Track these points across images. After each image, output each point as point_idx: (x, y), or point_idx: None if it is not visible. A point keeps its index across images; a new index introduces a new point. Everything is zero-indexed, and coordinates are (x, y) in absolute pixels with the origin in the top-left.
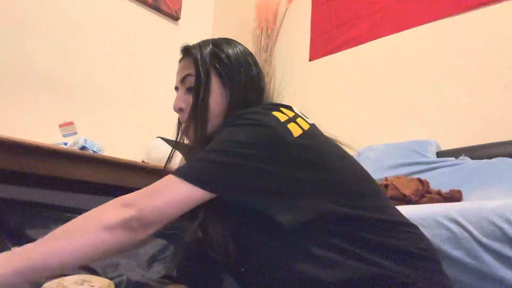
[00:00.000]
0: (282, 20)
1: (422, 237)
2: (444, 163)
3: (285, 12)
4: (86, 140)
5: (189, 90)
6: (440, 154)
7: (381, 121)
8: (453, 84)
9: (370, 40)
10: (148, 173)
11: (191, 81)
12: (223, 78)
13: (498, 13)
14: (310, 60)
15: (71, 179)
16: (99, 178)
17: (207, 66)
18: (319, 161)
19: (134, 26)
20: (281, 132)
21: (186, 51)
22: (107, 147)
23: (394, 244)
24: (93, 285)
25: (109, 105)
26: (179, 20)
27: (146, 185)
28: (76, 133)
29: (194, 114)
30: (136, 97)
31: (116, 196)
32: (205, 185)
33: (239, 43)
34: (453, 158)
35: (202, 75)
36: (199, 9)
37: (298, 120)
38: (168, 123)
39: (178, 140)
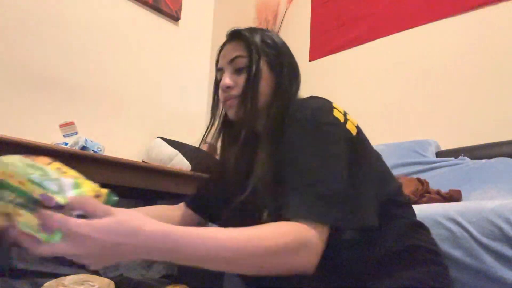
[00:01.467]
0: (282, 20)
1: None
2: (444, 163)
3: (285, 12)
4: (86, 140)
5: (238, 71)
6: (439, 154)
7: (381, 121)
8: (452, 84)
9: (370, 40)
10: (148, 173)
11: (241, 62)
12: (271, 65)
13: (498, 13)
14: (310, 61)
15: None
16: (99, 178)
17: (258, 50)
18: (369, 156)
19: (134, 27)
20: (350, 132)
21: (237, 34)
22: (107, 147)
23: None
24: (93, 284)
25: (109, 105)
26: (179, 21)
27: (146, 185)
28: (76, 133)
29: (245, 94)
30: (136, 97)
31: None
32: (336, 221)
33: (279, 36)
34: (452, 158)
35: (254, 58)
36: (199, 10)
37: (347, 116)
38: (168, 123)
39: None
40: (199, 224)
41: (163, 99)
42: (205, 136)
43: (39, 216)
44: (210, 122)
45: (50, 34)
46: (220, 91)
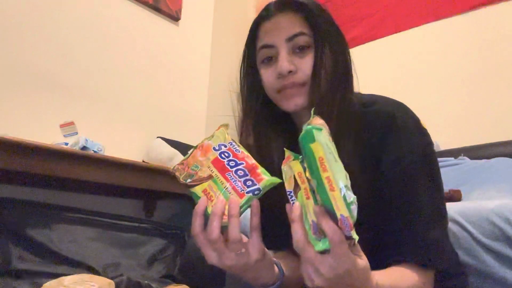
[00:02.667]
0: None
1: None
2: (444, 163)
3: None
4: (86, 140)
5: (300, 50)
6: (439, 154)
7: None
8: (452, 84)
9: (370, 40)
10: (148, 173)
11: (304, 40)
12: (333, 46)
13: (498, 13)
14: None
15: (71, 179)
16: (100, 178)
17: (322, 26)
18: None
19: (134, 27)
20: None
21: (296, 4)
22: (107, 147)
23: None
24: (93, 284)
25: (109, 105)
26: (179, 21)
27: (146, 185)
28: (76, 133)
29: (312, 79)
30: (136, 97)
31: (116, 196)
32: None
33: None
34: (452, 158)
35: (321, 36)
36: (199, 10)
37: None
38: (168, 123)
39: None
40: None
41: (163, 99)
42: (241, 133)
43: (320, 215)
44: (245, 115)
45: (50, 34)
46: (269, 76)
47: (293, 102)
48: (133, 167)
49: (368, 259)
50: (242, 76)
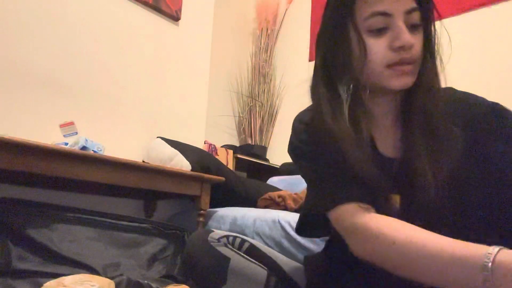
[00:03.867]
0: (282, 20)
1: None
2: None
3: (285, 12)
4: (86, 140)
5: (414, 27)
6: None
7: None
8: (452, 84)
9: None
10: (148, 173)
11: (418, 17)
12: (434, 25)
13: (498, 13)
14: (310, 60)
15: (71, 179)
16: (99, 178)
17: (431, 7)
18: None
19: (134, 26)
20: None
21: None
22: (107, 147)
23: None
24: (93, 284)
25: (109, 105)
26: (180, 21)
27: (146, 185)
28: (76, 133)
29: (423, 58)
30: (136, 97)
31: (116, 196)
32: None
33: None
34: None
35: (430, 11)
36: (199, 9)
37: None
38: (168, 123)
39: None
40: None
41: (163, 99)
42: (347, 111)
43: None
44: (348, 92)
45: (50, 34)
46: (381, 47)
47: (405, 80)
48: (133, 167)
49: None
50: (326, 47)
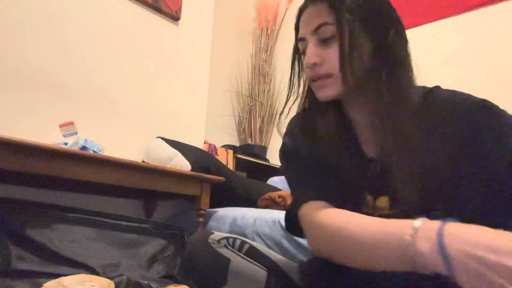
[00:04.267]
0: (282, 20)
1: None
2: None
3: (285, 12)
4: (86, 140)
5: (324, 41)
6: None
7: None
8: (452, 84)
9: None
10: (148, 173)
11: (328, 31)
12: (368, 30)
13: (498, 13)
14: None
15: (71, 179)
16: (99, 178)
17: (350, 13)
18: None
19: (134, 26)
20: None
21: None
22: (107, 147)
23: None
24: (93, 285)
25: (109, 105)
26: (179, 20)
27: (146, 185)
28: (76, 133)
29: (342, 70)
30: (136, 97)
31: (116, 196)
32: None
33: None
34: None
35: (345, 24)
36: (199, 9)
37: None
38: (168, 123)
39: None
40: None
41: (163, 99)
42: (284, 112)
43: None
44: (287, 97)
45: (50, 34)
46: (305, 67)
47: (323, 93)
48: (133, 167)
49: None
50: (293, 67)
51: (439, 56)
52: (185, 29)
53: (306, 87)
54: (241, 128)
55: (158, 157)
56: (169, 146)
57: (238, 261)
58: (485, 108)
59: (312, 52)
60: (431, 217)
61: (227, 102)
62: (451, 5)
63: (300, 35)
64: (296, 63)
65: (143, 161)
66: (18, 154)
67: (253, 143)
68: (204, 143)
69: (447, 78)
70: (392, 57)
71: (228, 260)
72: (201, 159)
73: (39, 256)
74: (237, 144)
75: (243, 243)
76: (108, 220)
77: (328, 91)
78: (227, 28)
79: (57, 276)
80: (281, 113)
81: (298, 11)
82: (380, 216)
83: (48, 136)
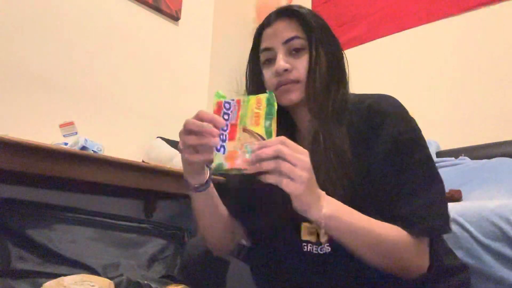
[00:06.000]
0: None
1: None
2: (444, 163)
3: None
4: (86, 140)
5: (295, 52)
6: (440, 154)
7: None
8: (452, 84)
9: (370, 40)
10: (148, 173)
11: (298, 43)
12: (326, 48)
13: (498, 13)
14: None
15: (71, 179)
16: (99, 178)
17: (316, 31)
18: None
19: (134, 26)
20: None
21: (291, 12)
22: (107, 147)
23: None
24: (93, 285)
25: (109, 105)
26: (179, 21)
27: (146, 185)
28: (76, 133)
29: (308, 76)
30: (136, 97)
31: (116, 196)
32: None
33: None
34: (452, 158)
35: (314, 39)
36: (199, 9)
37: None
38: (168, 123)
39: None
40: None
41: (163, 99)
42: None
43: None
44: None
45: (50, 34)
46: (269, 75)
47: (288, 97)
48: (133, 167)
49: None
50: (247, 77)
51: (439, 56)
52: (185, 29)
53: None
54: None
55: (158, 157)
56: (169, 146)
57: (236, 264)
58: (372, 116)
59: (282, 60)
60: None
61: None
62: (451, 5)
63: (267, 45)
64: (255, 77)
65: (143, 161)
66: (18, 154)
67: None
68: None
69: (446, 78)
70: (340, 75)
71: (227, 263)
72: None
73: (39, 256)
74: None
75: (240, 248)
76: (108, 220)
77: (293, 96)
78: (227, 28)
79: (57, 276)
80: None
81: (261, 26)
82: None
83: (48, 136)
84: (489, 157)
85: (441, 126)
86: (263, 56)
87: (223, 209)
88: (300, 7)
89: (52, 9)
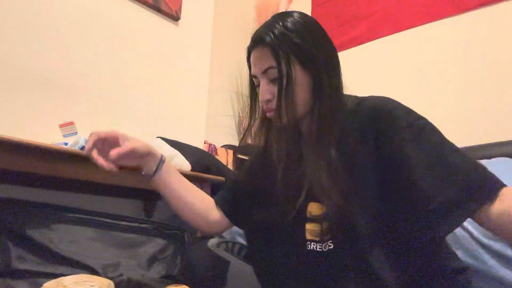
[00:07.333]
0: None
1: None
2: None
3: None
4: (86, 140)
5: (273, 81)
6: None
7: None
8: (452, 84)
9: (370, 40)
10: None
11: (273, 73)
12: (304, 65)
13: (498, 13)
14: None
15: (71, 179)
16: (99, 178)
17: (286, 55)
18: None
19: (134, 26)
20: None
21: (261, 40)
22: None
23: None
24: (93, 285)
25: (109, 105)
26: (179, 20)
27: (146, 185)
28: (76, 133)
29: (280, 106)
30: (136, 97)
31: (116, 196)
32: None
33: (306, 17)
34: None
35: (283, 66)
36: (199, 9)
37: None
38: (168, 123)
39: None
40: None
41: (163, 99)
42: (245, 135)
43: None
44: (249, 122)
45: (50, 34)
46: (259, 102)
47: (277, 122)
48: (133, 167)
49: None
50: (250, 90)
51: (439, 56)
52: (185, 29)
53: (262, 114)
54: (241, 128)
55: None
56: (169, 146)
57: (237, 263)
58: (382, 106)
59: (264, 90)
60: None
61: (227, 102)
62: (451, 5)
63: (252, 73)
64: (254, 93)
65: None
66: (18, 154)
67: (253, 143)
68: (204, 143)
69: (446, 78)
70: (328, 89)
71: (227, 263)
72: (201, 159)
73: (39, 256)
74: (237, 144)
75: (241, 247)
76: (108, 220)
77: (279, 122)
78: (227, 28)
79: (57, 276)
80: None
81: (247, 50)
82: (312, 220)
83: (48, 136)
84: (489, 157)
85: (441, 126)
86: (254, 80)
87: (189, 198)
88: (270, 31)
89: (52, 9)
